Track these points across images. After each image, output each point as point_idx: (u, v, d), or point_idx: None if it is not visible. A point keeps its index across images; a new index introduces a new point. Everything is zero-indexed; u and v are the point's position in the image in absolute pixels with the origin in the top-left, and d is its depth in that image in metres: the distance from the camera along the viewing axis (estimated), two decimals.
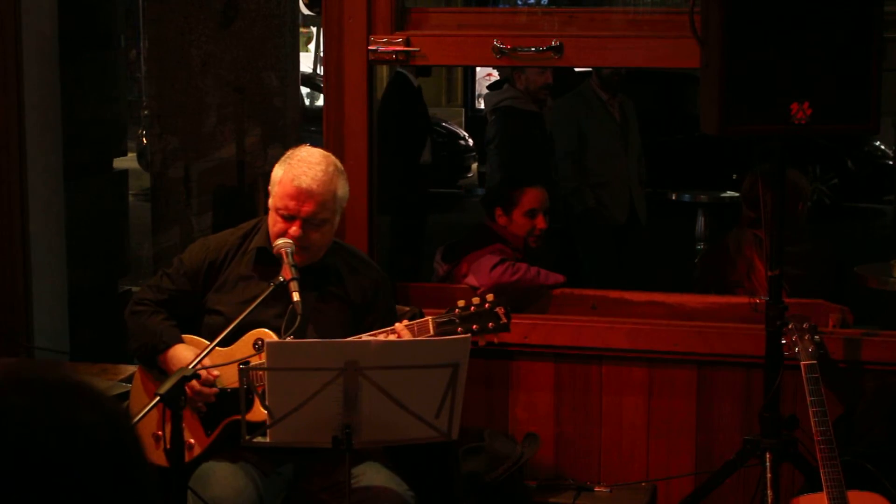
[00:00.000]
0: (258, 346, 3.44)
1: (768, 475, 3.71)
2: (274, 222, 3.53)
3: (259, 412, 3.21)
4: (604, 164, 6.79)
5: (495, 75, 13.35)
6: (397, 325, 3.44)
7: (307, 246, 3.50)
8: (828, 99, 3.55)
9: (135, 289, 3.80)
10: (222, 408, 3.47)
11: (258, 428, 3.16)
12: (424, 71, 8.30)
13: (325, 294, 3.58)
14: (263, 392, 3.12)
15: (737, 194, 6.83)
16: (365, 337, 3.39)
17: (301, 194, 3.47)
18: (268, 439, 3.17)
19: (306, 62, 19.83)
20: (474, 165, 15.00)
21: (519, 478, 4.13)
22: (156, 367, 3.58)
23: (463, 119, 17.24)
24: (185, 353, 3.50)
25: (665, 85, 12.78)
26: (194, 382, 3.32)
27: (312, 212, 3.48)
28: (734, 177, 9.33)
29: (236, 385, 3.25)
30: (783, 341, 3.66)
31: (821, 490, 3.41)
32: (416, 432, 3.17)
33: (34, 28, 4.67)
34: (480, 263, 4.58)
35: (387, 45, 4.24)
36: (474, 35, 4.26)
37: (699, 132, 3.78)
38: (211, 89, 4.74)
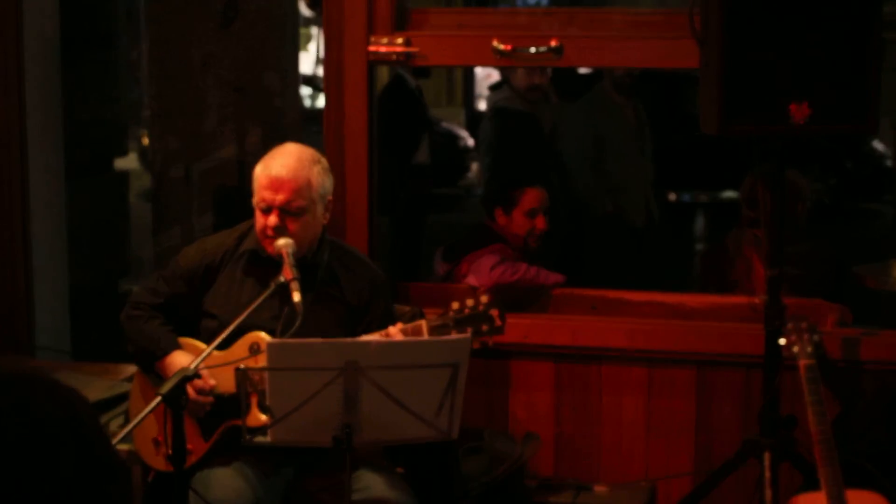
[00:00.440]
0: (254, 349, 3.43)
1: (767, 475, 3.72)
2: (256, 220, 3.53)
3: (256, 417, 3.22)
4: (622, 169, 6.71)
5: (496, 76, 13.35)
6: (391, 328, 3.42)
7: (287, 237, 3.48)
8: (827, 99, 3.56)
9: (136, 288, 3.80)
10: (219, 413, 3.46)
11: (256, 433, 3.16)
12: (423, 72, 8.29)
13: (320, 295, 3.55)
14: (259, 396, 3.12)
15: (736, 194, 6.83)
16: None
17: (273, 183, 3.46)
18: (268, 439, 3.17)
19: (306, 62, 19.83)
20: (474, 165, 14.99)
21: (519, 478, 4.14)
22: (153, 372, 3.57)
23: (463, 119, 17.24)
24: (182, 359, 3.47)
25: (664, 85, 12.77)
26: (190, 391, 3.31)
27: (287, 199, 3.45)
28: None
29: (233, 390, 3.25)
30: (782, 341, 3.66)
31: (819, 489, 3.41)
32: (416, 432, 3.17)
33: (35, 28, 4.68)
34: (480, 263, 4.59)
35: (387, 45, 4.25)
36: (474, 35, 4.26)
37: (699, 132, 3.79)
38: (211, 89, 4.75)
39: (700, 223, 8.13)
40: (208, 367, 3.36)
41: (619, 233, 6.70)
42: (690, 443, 4.22)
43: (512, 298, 4.12)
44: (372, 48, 4.25)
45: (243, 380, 3.12)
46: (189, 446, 3.47)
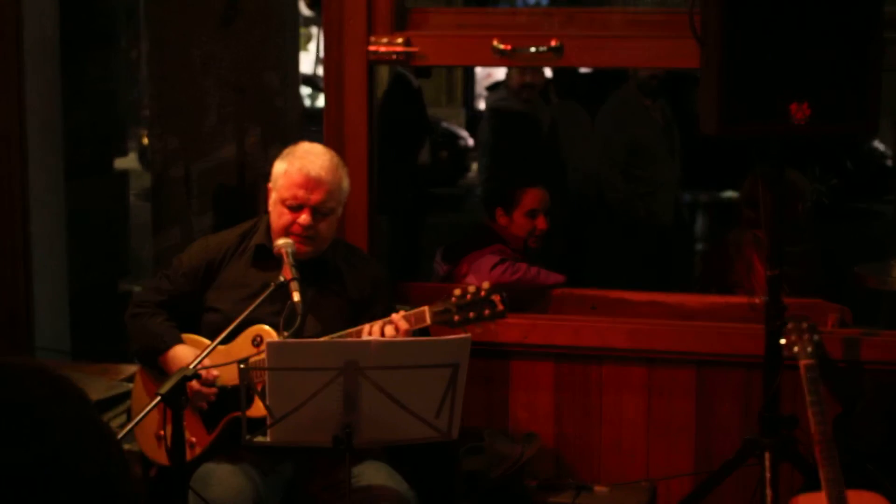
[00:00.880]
0: (257, 342, 3.46)
1: (767, 474, 3.72)
2: (280, 215, 3.54)
3: (259, 408, 3.22)
4: (652, 171, 6.59)
5: (495, 76, 13.36)
6: (394, 315, 3.45)
7: (313, 236, 3.52)
8: (827, 99, 3.55)
9: (136, 288, 3.81)
10: (223, 405, 3.48)
11: (259, 425, 3.17)
12: (424, 72, 8.30)
13: (324, 289, 3.60)
14: (263, 389, 3.13)
15: (736, 194, 6.83)
16: (364, 330, 3.40)
17: (310, 182, 3.51)
18: (268, 439, 3.17)
19: (306, 62, 19.83)
20: (474, 165, 15.00)
21: (519, 478, 4.14)
22: (157, 367, 3.59)
23: (463, 119, 17.24)
24: (185, 352, 3.51)
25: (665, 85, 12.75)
26: (194, 382, 3.33)
27: (321, 200, 3.52)
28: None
29: (236, 382, 3.26)
30: (782, 341, 3.66)
31: (820, 489, 3.41)
32: (416, 432, 3.17)
33: (35, 28, 4.68)
34: (480, 263, 4.59)
35: (387, 45, 4.25)
36: (474, 35, 4.26)
37: (698, 132, 3.78)
38: (211, 89, 4.74)
39: (700, 223, 8.13)
40: (212, 364, 3.39)
41: (649, 235, 6.59)
42: (690, 443, 4.22)
43: (512, 299, 4.11)
44: (372, 48, 4.25)
45: (245, 377, 3.13)
46: (192, 438, 3.50)
